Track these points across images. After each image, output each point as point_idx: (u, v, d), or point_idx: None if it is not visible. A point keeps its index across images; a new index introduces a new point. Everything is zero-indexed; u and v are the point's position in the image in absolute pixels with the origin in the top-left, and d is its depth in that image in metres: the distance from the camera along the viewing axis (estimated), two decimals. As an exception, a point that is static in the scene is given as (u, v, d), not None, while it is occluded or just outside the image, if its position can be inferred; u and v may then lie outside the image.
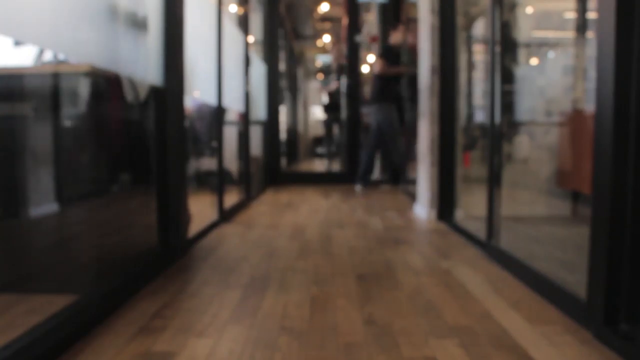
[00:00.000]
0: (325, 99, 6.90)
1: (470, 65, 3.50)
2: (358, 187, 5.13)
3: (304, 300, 1.74)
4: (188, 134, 3.60)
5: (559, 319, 1.57)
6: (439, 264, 2.23)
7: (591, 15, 2.87)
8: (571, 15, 3.28)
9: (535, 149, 3.37)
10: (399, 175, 5.21)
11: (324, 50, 11.38)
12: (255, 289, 1.86)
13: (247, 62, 4.22)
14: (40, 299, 1.64)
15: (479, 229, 2.55)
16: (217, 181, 3.28)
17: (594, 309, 1.43)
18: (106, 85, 2.14)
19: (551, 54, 3.60)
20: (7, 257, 1.68)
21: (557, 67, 3.42)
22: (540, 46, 3.61)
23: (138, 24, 1.95)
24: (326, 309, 1.66)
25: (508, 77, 3.06)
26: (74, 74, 1.99)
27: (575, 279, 1.63)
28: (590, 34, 2.89)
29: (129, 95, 2.24)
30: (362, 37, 5.93)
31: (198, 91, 3.00)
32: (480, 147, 3.34)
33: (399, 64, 4.92)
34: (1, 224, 1.78)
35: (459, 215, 3.17)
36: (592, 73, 1.93)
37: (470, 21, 3.33)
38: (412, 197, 4.07)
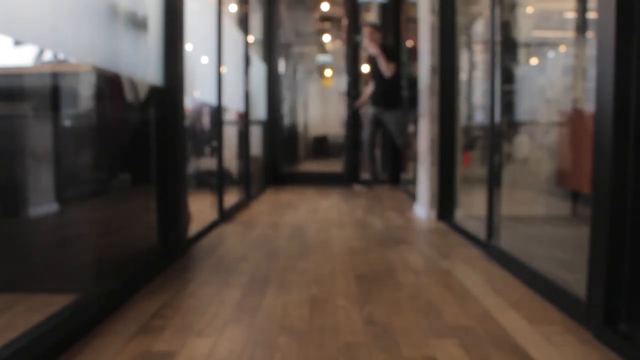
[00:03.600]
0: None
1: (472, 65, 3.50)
2: (358, 187, 5.18)
3: (304, 300, 1.74)
4: (188, 133, 3.59)
5: (559, 319, 1.57)
6: (439, 264, 2.23)
7: (591, 15, 2.87)
8: (571, 15, 3.28)
9: (535, 148, 3.37)
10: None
11: (324, 50, 11.37)
12: (255, 289, 1.86)
13: (247, 62, 4.22)
14: (40, 299, 1.64)
15: (478, 229, 2.55)
16: (216, 181, 3.28)
17: (594, 309, 1.43)
18: (106, 85, 2.14)
19: (551, 54, 3.60)
20: (7, 257, 1.68)
21: (557, 67, 3.42)
22: (540, 46, 3.61)
23: (138, 23, 1.95)
24: (326, 308, 1.66)
25: (508, 77, 3.06)
26: (74, 74, 1.99)
27: (575, 279, 1.63)
28: (590, 34, 2.89)
29: (129, 95, 2.24)
30: (362, 37, 5.91)
31: (198, 91, 3.00)
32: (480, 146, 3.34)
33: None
34: (1, 223, 1.78)
35: (459, 215, 3.17)
36: (592, 73, 1.93)
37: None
38: (412, 197, 4.07)
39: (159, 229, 2.18)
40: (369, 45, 4.95)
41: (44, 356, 1.24)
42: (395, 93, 4.98)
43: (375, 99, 4.99)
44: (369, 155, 5.15)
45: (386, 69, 4.79)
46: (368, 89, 5.20)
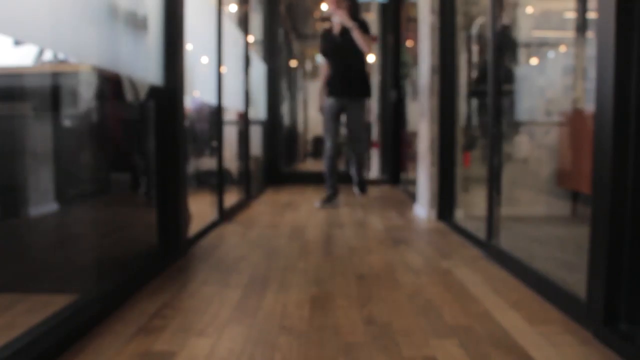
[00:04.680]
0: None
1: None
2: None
3: (304, 300, 1.74)
4: (188, 133, 3.59)
5: (559, 319, 1.57)
6: (439, 264, 2.23)
7: (591, 15, 2.87)
8: (571, 15, 3.28)
9: (535, 148, 3.37)
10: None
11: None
12: (255, 289, 1.86)
13: (247, 62, 4.22)
14: (40, 299, 1.64)
15: (478, 229, 2.55)
16: (216, 181, 3.28)
17: (593, 309, 1.43)
18: (106, 85, 2.14)
19: (551, 54, 3.60)
20: (7, 256, 1.68)
21: (557, 67, 3.42)
22: (540, 46, 3.61)
23: (138, 23, 1.95)
24: (326, 308, 1.66)
25: (508, 77, 3.06)
26: (74, 74, 1.99)
27: (575, 279, 1.63)
28: (590, 34, 2.89)
29: (129, 95, 2.24)
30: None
31: (198, 91, 3.00)
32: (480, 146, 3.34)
33: None
34: (1, 223, 1.78)
35: (459, 215, 3.17)
36: (592, 73, 1.93)
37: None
38: (412, 197, 4.06)
39: (159, 229, 2.18)
40: (335, 13, 3.75)
41: (43, 356, 1.24)
42: (365, 79, 3.90)
43: (339, 86, 3.83)
44: (330, 165, 3.97)
45: (364, 44, 3.71)
46: (323, 73, 3.96)
